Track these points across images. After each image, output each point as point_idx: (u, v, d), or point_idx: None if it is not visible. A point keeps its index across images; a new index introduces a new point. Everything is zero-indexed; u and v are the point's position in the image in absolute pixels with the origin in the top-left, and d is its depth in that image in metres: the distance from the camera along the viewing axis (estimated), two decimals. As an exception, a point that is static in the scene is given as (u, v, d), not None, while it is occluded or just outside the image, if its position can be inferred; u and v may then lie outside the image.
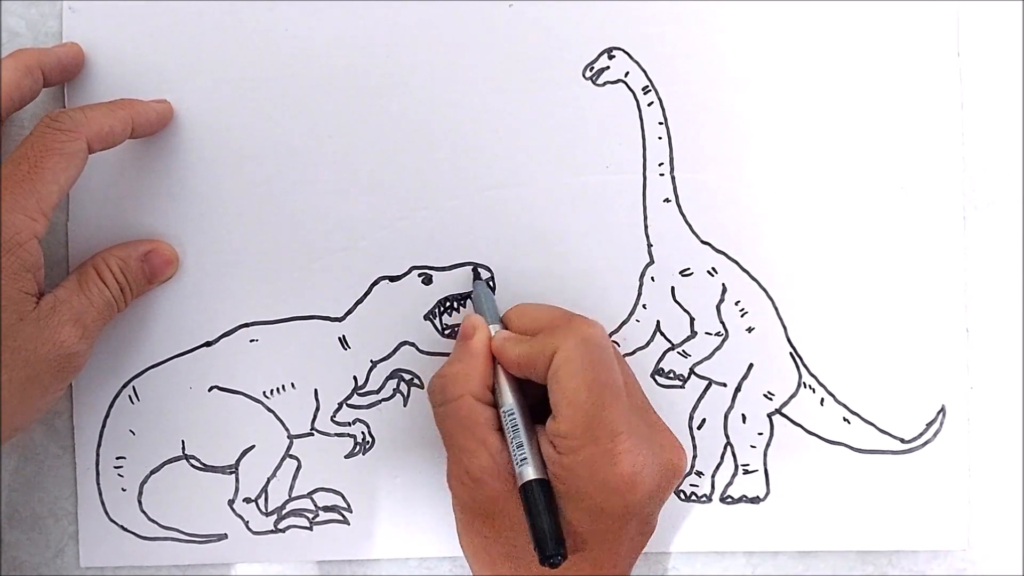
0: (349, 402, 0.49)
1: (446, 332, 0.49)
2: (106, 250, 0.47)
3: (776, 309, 0.49)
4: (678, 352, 0.49)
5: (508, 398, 0.44)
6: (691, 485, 0.49)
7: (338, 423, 0.49)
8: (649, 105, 0.49)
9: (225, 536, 0.49)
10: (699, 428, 0.49)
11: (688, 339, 0.49)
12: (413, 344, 0.49)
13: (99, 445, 0.49)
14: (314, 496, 0.49)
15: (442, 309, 0.49)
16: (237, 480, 0.49)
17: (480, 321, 0.46)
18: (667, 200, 0.49)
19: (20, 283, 0.42)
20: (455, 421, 0.44)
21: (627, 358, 0.49)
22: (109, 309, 0.46)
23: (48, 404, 0.45)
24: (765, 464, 0.49)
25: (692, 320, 0.49)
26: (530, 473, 0.42)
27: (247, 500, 0.49)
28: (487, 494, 0.42)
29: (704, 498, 0.49)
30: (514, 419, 0.43)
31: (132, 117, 0.46)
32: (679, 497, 0.49)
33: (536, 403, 0.44)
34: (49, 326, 0.43)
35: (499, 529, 0.43)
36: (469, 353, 0.45)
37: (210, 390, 0.49)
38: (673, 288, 0.49)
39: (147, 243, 0.48)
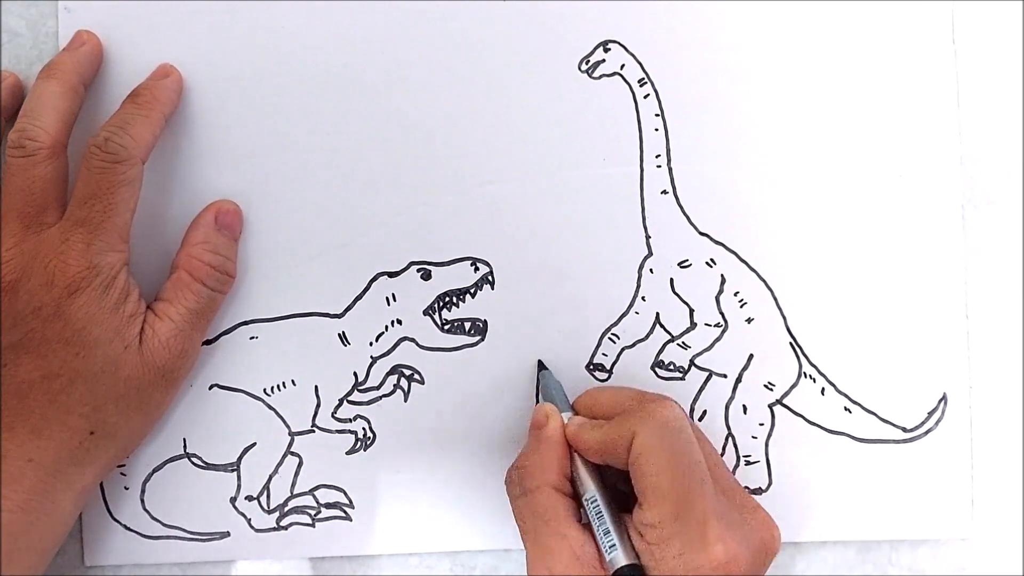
0: (350, 398, 0.49)
1: (445, 327, 0.49)
2: (185, 244, 0.47)
3: (775, 299, 0.49)
4: (678, 344, 0.49)
5: (590, 485, 0.43)
6: (693, 477, 0.49)
7: (339, 419, 0.49)
8: (645, 97, 0.49)
9: (227, 534, 0.49)
10: (700, 420, 0.49)
11: (688, 331, 0.49)
12: (413, 340, 0.49)
13: (101, 444, 0.49)
14: (316, 493, 0.49)
15: (441, 304, 0.49)
16: (239, 478, 0.49)
17: (552, 409, 0.45)
18: (665, 192, 0.49)
19: (123, 310, 0.44)
20: (533, 514, 0.42)
21: (627, 351, 0.49)
22: (212, 302, 0.47)
23: (162, 412, 0.48)
24: (767, 455, 0.49)
25: (691, 311, 0.49)
26: (622, 559, 0.41)
27: (249, 498, 0.49)
28: None
29: (706, 490, 0.49)
30: (598, 506, 0.42)
31: (164, 113, 0.47)
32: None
33: (618, 487, 0.43)
34: (151, 349, 0.45)
35: None
36: (544, 442, 0.44)
37: (210, 388, 0.49)
38: (672, 280, 0.49)
39: (208, 211, 0.48)
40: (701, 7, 0.49)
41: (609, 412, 0.45)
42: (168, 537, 0.49)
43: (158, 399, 0.46)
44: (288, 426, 0.49)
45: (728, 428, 0.49)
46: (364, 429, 0.49)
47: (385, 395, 0.49)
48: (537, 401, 0.49)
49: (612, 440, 0.42)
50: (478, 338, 0.49)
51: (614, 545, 0.41)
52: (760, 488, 0.49)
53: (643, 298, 0.49)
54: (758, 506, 0.44)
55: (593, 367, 0.49)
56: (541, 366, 0.49)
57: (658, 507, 0.40)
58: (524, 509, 0.43)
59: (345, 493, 0.49)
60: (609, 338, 0.49)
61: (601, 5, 0.49)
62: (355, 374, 0.49)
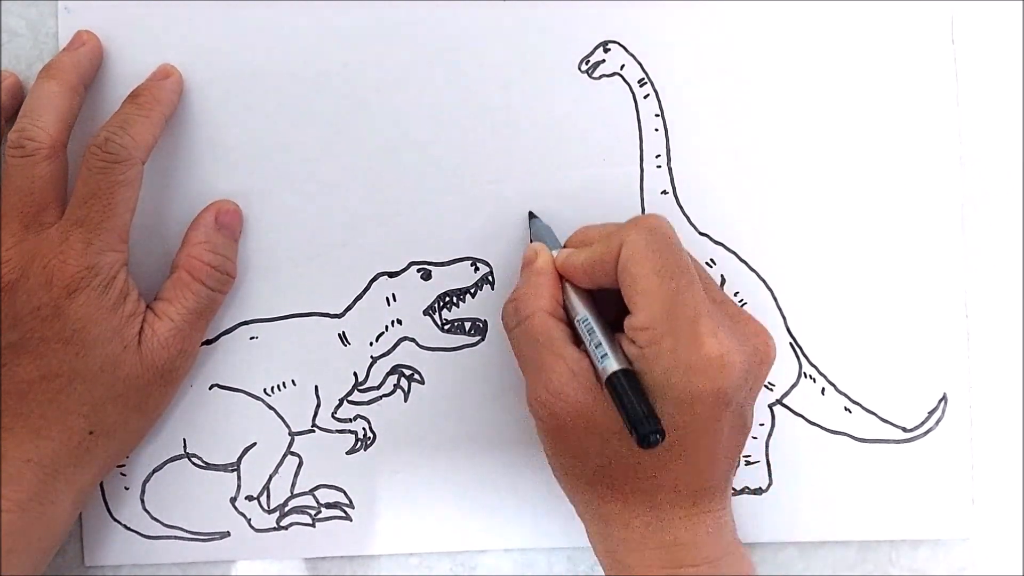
0: (350, 398, 0.49)
1: (445, 327, 0.49)
2: (186, 244, 0.47)
3: (775, 299, 0.49)
4: (678, 344, 0.49)
5: (580, 308, 0.43)
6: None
7: (339, 419, 0.49)
8: (645, 98, 0.49)
9: (228, 534, 0.49)
10: (700, 420, 0.49)
11: (688, 331, 0.49)
12: (413, 339, 0.49)
13: (101, 444, 0.49)
14: (316, 493, 0.49)
15: (441, 304, 0.49)
16: (239, 478, 0.49)
17: (540, 246, 0.46)
18: (664, 192, 0.49)
19: (122, 310, 0.44)
20: (529, 339, 0.43)
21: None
22: (212, 302, 0.47)
23: (161, 412, 0.48)
24: (767, 455, 0.49)
25: (691, 312, 0.49)
26: (614, 365, 0.41)
27: (249, 498, 0.49)
28: (571, 406, 0.41)
29: (706, 490, 0.49)
30: (589, 324, 0.42)
31: (164, 113, 0.47)
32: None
33: (610, 316, 0.43)
34: (150, 349, 0.45)
35: (587, 443, 0.42)
36: (535, 274, 0.45)
37: (210, 388, 0.49)
38: (672, 280, 0.49)
39: (208, 211, 0.48)
40: (701, 7, 0.49)
41: (598, 238, 0.45)
42: (168, 537, 0.49)
43: (157, 399, 0.46)
44: (288, 426, 0.49)
45: (728, 428, 0.49)
46: (364, 429, 0.49)
47: (385, 395, 0.49)
48: None
49: (600, 256, 0.43)
50: (478, 338, 0.49)
51: (606, 355, 0.41)
52: (760, 488, 0.49)
53: (643, 298, 0.49)
54: (751, 317, 0.44)
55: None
56: (532, 215, 0.49)
57: (648, 308, 0.41)
58: (520, 337, 0.44)
59: (345, 493, 0.49)
60: (609, 338, 0.49)
61: (601, 5, 0.49)
62: (355, 374, 0.49)
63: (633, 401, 0.40)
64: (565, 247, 0.46)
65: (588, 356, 0.42)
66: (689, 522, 0.42)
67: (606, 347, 0.41)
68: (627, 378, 0.40)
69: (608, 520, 0.43)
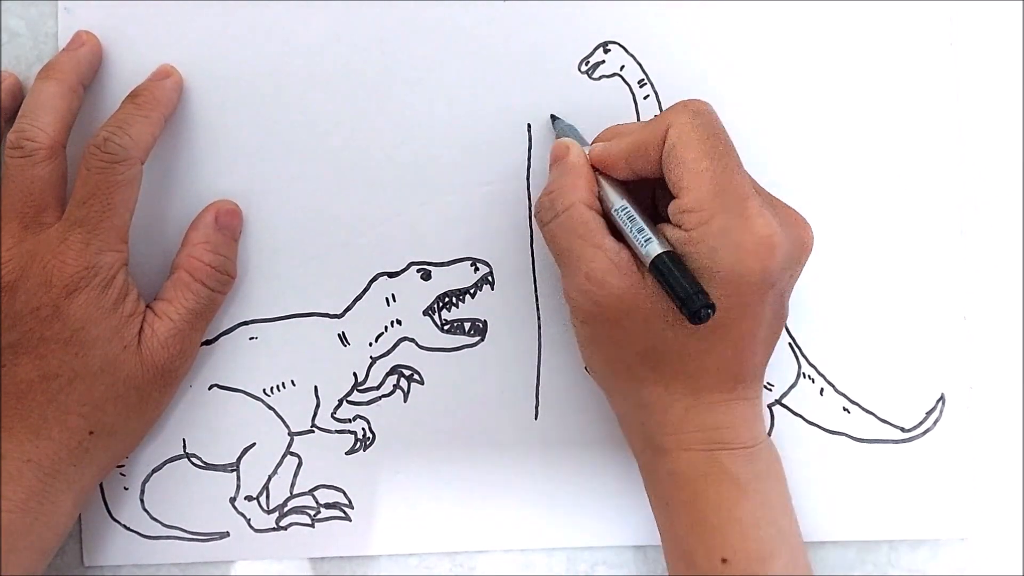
0: (349, 398, 0.49)
1: (445, 327, 0.49)
2: (186, 244, 0.47)
3: (775, 300, 0.49)
4: (677, 344, 0.49)
5: (617, 199, 0.43)
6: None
7: (339, 420, 0.49)
8: (645, 99, 0.49)
9: (227, 534, 0.49)
10: (699, 420, 0.49)
11: (687, 331, 0.49)
12: (413, 340, 0.49)
13: (100, 444, 0.49)
14: (315, 493, 0.49)
15: (441, 304, 0.49)
16: (238, 478, 0.49)
17: (570, 141, 0.45)
18: (664, 192, 0.49)
19: (121, 310, 0.44)
20: (567, 231, 0.43)
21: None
22: (212, 302, 0.47)
23: (161, 412, 0.48)
24: (766, 455, 0.49)
25: (691, 312, 0.49)
26: (657, 248, 0.40)
27: (248, 498, 0.49)
28: (613, 293, 0.41)
29: (705, 490, 0.49)
30: (629, 212, 0.42)
31: (163, 113, 0.47)
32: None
33: (644, 208, 0.43)
34: (150, 349, 0.45)
35: (629, 329, 0.42)
36: (569, 168, 0.44)
37: (210, 388, 0.49)
38: (671, 280, 0.49)
39: (208, 211, 0.48)
40: (701, 7, 0.49)
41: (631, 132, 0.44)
42: (168, 537, 0.49)
43: (156, 398, 0.46)
44: (288, 426, 0.49)
45: (727, 428, 0.49)
46: (364, 429, 0.49)
47: (385, 395, 0.49)
48: None
49: (643, 140, 0.42)
50: (478, 338, 0.49)
51: (650, 239, 0.41)
52: (759, 488, 0.49)
53: (643, 298, 0.49)
54: (788, 206, 0.44)
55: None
56: (554, 117, 0.48)
57: (697, 189, 0.40)
58: (557, 229, 0.43)
59: (344, 493, 0.49)
60: (609, 338, 0.49)
61: (601, 5, 0.49)
62: (355, 374, 0.49)
63: (680, 279, 0.39)
64: (594, 142, 0.46)
65: (627, 246, 0.42)
66: (728, 407, 0.42)
67: (649, 231, 0.41)
68: (671, 259, 0.40)
69: (647, 405, 0.43)
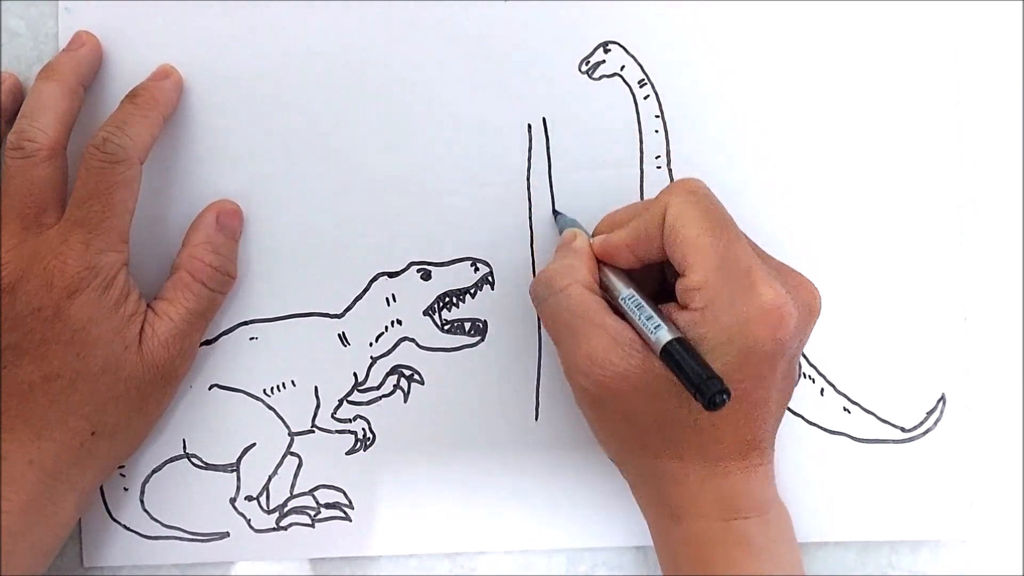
0: (349, 399, 0.49)
1: (445, 327, 0.49)
2: (186, 244, 0.47)
3: (775, 300, 0.49)
4: (678, 344, 0.49)
5: (623, 288, 0.43)
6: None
7: (339, 420, 0.49)
8: (645, 99, 0.49)
9: (227, 534, 0.49)
10: (699, 420, 0.49)
11: (687, 331, 0.49)
12: (413, 340, 0.49)
13: (100, 444, 0.49)
14: (315, 493, 0.49)
15: (441, 304, 0.49)
16: (238, 478, 0.49)
17: (579, 231, 0.46)
18: (664, 193, 0.49)
19: (122, 310, 0.44)
20: (566, 310, 0.42)
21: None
22: (212, 303, 0.47)
23: (162, 412, 0.48)
24: (766, 455, 0.49)
25: (691, 312, 0.49)
26: (667, 335, 0.40)
27: (249, 498, 0.49)
28: (617, 372, 0.41)
29: (705, 490, 0.49)
30: (636, 300, 0.42)
31: (163, 113, 0.47)
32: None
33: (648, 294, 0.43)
34: (151, 349, 0.45)
35: (638, 406, 0.42)
36: (573, 251, 0.44)
37: (210, 388, 0.49)
38: (672, 280, 0.49)
39: (208, 211, 0.48)
40: (701, 7, 0.49)
41: (627, 221, 0.44)
42: (168, 538, 0.49)
43: (157, 398, 0.46)
44: (288, 426, 0.49)
45: (728, 428, 0.49)
46: (364, 429, 0.49)
47: (385, 395, 0.49)
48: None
49: (644, 227, 0.43)
50: (478, 338, 0.49)
51: (659, 325, 0.40)
52: (759, 488, 0.49)
53: (643, 299, 0.49)
54: (793, 269, 0.44)
55: (593, 367, 0.49)
56: (556, 212, 0.49)
57: (702, 265, 0.40)
58: (555, 307, 0.43)
59: (345, 493, 0.49)
60: (609, 338, 0.49)
61: (601, 5, 0.49)
62: (355, 374, 0.49)
63: (693, 366, 0.39)
64: (594, 234, 0.46)
65: (631, 326, 0.42)
66: (743, 474, 0.42)
67: (657, 318, 0.41)
68: (683, 345, 0.40)
69: (662, 476, 0.43)
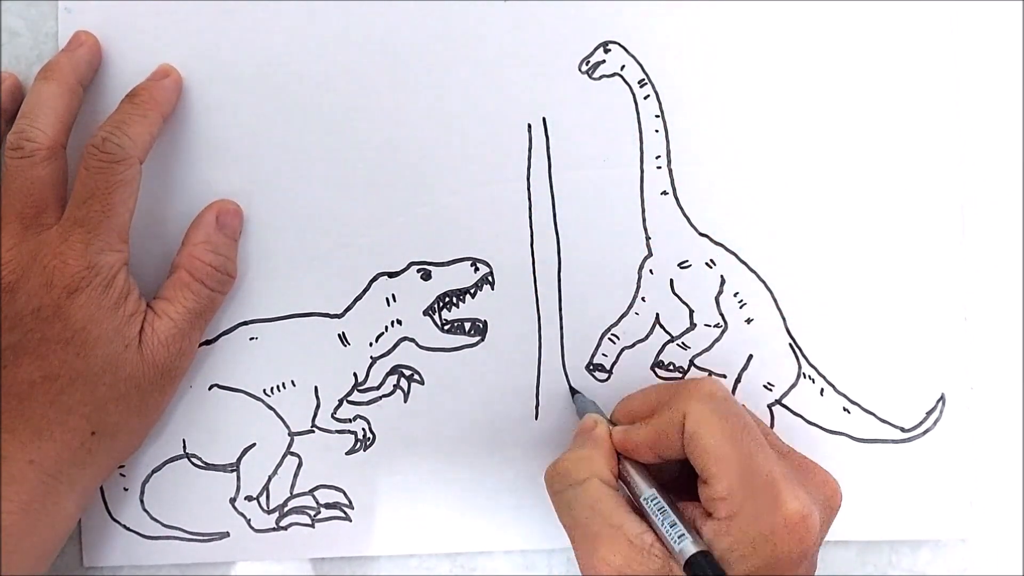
0: (349, 399, 0.49)
1: (445, 327, 0.49)
2: (186, 243, 0.47)
3: (775, 300, 0.49)
4: (678, 344, 0.49)
5: (646, 488, 0.42)
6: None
7: (339, 420, 0.49)
8: (645, 98, 0.49)
9: (227, 534, 0.49)
10: (699, 420, 0.49)
11: (687, 331, 0.49)
12: (413, 340, 0.49)
13: (100, 444, 0.49)
14: (315, 493, 0.49)
15: (441, 304, 0.49)
16: (238, 478, 0.49)
17: (599, 417, 0.45)
18: (664, 193, 0.49)
19: (123, 310, 0.44)
20: (584, 506, 0.42)
21: (626, 351, 0.49)
22: (212, 302, 0.47)
23: (161, 412, 0.48)
24: (766, 455, 0.49)
25: (691, 312, 0.49)
26: (692, 547, 0.40)
27: (249, 498, 0.49)
28: None
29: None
30: (659, 503, 0.41)
31: (162, 113, 0.47)
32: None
33: (663, 481, 0.43)
34: (151, 348, 0.45)
35: None
36: (593, 440, 0.44)
37: (210, 388, 0.49)
38: (672, 280, 0.49)
39: (209, 211, 0.48)
40: (701, 7, 0.49)
41: (646, 412, 0.44)
42: (167, 538, 0.49)
43: (157, 398, 0.46)
44: (288, 426, 0.49)
45: (728, 428, 0.49)
46: (364, 429, 0.49)
47: (385, 395, 0.49)
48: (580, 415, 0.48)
49: (663, 429, 0.42)
50: (478, 338, 0.49)
51: (683, 535, 0.40)
52: (759, 488, 0.49)
53: (643, 299, 0.49)
54: (815, 464, 0.44)
55: (593, 367, 0.49)
56: (573, 391, 0.49)
57: (725, 476, 0.40)
58: (572, 501, 0.42)
59: (345, 493, 0.49)
60: (609, 338, 0.49)
61: (601, 5, 0.49)
62: (355, 374, 0.49)
63: None
64: (611, 419, 0.46)
65: (649, 527, 0.41)
66: None
67: (681, 526, 0.41)
68: (708, 561, 0.40)
69: None
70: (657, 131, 0.49)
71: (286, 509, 0.49)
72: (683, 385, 0.44)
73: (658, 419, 0.43)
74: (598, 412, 0.47)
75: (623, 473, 0.44)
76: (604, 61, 0.49)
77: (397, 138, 0.49)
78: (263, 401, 0.49)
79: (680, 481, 0.44)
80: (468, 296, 0.49)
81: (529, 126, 0.49)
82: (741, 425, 0.41)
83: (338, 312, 0.49)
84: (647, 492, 0.42)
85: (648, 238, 0.49)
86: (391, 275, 0.49)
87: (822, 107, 0.49)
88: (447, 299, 0.49)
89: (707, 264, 0.49)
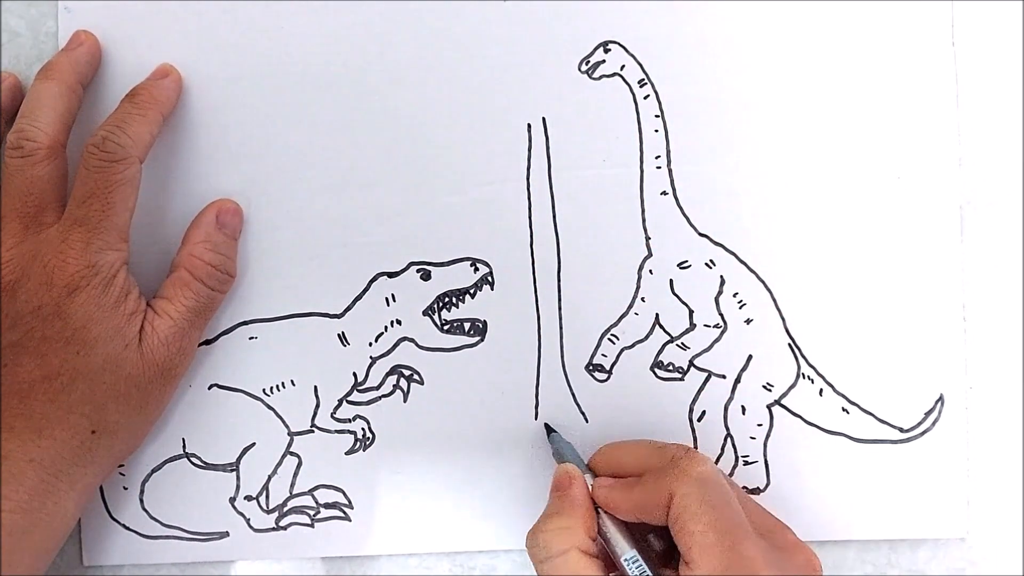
0: (349, 398, 0.49)
1: (445, 328, 0.49)
2: (186, 243, 0.47)
3: (774, 300, 0.49)
4: (677, 344, 0.49)
5: (626, 546, 0.43)
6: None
7: (338, 420, 0.49)
8: (645, 98, 0.49)
9: (227, 534, 0.49)
10: (699, 420, 0.49)
11: (687, 331, 0.49)
12: (412, 340, 0.49)
13: (100, 444, 0.49)
14: (315, 493, 0.49)
15: (441, 304, 0.49)
16: (238, 478, 0.49)
17: (575, 470, 0.45)
18: (664, 193, 0.49)
19: (123, 309, 0.44)
20: None
21: (626, 352, 0.49)
22: (212, 301, 0.47)
23: (161, 411, 0.48)
24: (765, 455, 0.49)
25: (691, 312, 0.49)
26: None
27: (248, 498, 0.49)
28: None
29: (705, 490, 0.49)
30: (640, 566, 0.42)
31: (162, 112, 0.47)
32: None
33: (646, 540, 0.44)
34: (151, 347, 0.45)
35: None
36: (570, 503, 0.44)
37: (210, 388, 0.49)
38: (671, 281, 0.49)
39: (209, 210, 0.48)
40: (701, 7, 0.49)
41: (630, 469, 0.44)
42: (167, 537, 0.49)
43: (157, 397, 0.46)
44: (287, 426, 0.49)
45: (727, 428, 0.49)
46: (363, 429, 0.49)
47: (384, 395, 0.49)
48: (555, 456, 0.48)
49: (649, 500, 0.42)
50: (478, 338, 0.49)
51: None
52: (758, 488, 0.49)
53: (643, 299, 0.49)
54: (797, 542, 0.43)
55: (592, 368, 0.49)
56: (549, 429, 0.49)
57: (707, 564, 0.40)
58: (553, 572, 0.42)
59: (344, 493, 0.49)
60: (608, 339, 0.49)
61: (601, 5, 0.49)
62: (354, 374, 0.49)
63: None
64: (590, 467, 0.46)
65: None
66: None
67: None
68: None
69: None
70: (657, 131, 0.49)
71: (286, 509, 0.49)
72: (675, 461, 0.43)
73: (643, 489, 0.43)
74: (574, 456, 0.46)
75: (602, 530, 0.43)
76: (604, 61, 0.49)
77: (396, 138, 0.49)
78: (263, 401, 0.49)
79: (659, 531, 0.43)
80: (468, 296, 0.49)
81: (529, 126, 0.49)
82: (729, 512, 0.41)
83: (338, 312, 0.49)
84: (628, 554, 0.42)
85: (648, 238, 0.49)
86: (391, 275, 0.49)
87: (821, 107, 0.49)
88: (447, 299, 0.49)
89: (707, 264, 0.49)
